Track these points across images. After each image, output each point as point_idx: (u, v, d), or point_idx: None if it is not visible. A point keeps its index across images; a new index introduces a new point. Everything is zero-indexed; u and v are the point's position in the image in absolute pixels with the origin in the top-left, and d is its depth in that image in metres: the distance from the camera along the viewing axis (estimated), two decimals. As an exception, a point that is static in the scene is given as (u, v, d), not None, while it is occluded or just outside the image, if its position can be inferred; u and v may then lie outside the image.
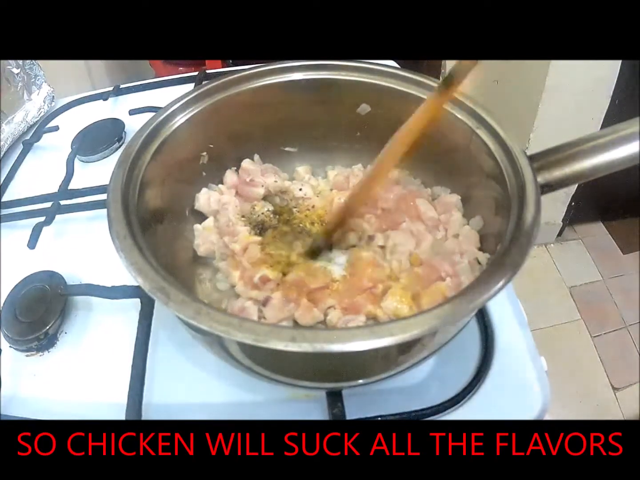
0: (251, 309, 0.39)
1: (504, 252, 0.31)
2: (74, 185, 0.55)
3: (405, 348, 0.33)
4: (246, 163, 0.48)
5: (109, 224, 0.33)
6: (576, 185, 1.23)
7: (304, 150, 0.51)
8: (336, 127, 0.49)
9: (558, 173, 0.36)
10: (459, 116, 0.41)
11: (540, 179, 0.36)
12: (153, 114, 0.42)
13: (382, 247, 0.43)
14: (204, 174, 0.47)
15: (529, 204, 0.34)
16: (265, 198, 0.48)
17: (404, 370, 0.36)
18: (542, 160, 0.36)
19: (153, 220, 0.39)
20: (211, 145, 0.46)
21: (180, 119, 0.43)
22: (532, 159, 0.37)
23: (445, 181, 0.46)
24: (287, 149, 0.51)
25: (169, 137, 0.42)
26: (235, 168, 0.48)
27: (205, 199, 0.46)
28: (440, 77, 1.40)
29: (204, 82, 0.45)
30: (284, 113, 0.48)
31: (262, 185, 0.47)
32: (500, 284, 0.29)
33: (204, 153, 0.46)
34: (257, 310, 0.39)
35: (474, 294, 0.29)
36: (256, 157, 0.49)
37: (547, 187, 0.36)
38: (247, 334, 0.27)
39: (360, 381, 0.36)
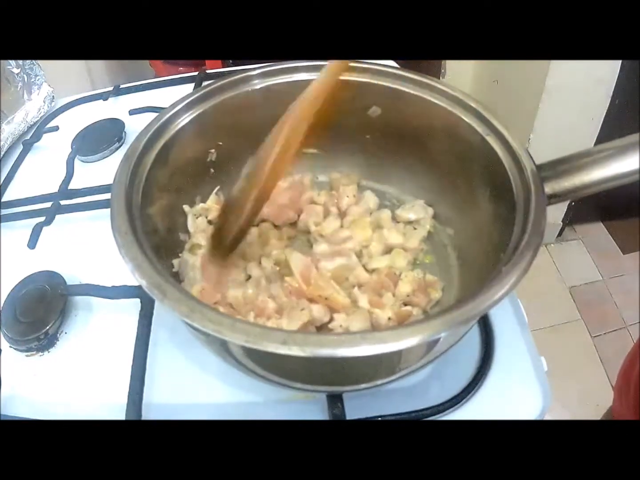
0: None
1: (506, 261, 0.31)
2: (74, 185, 0.55)
3: (402, 355, 0.32)
4: None
5: (111, 219, 0.33)
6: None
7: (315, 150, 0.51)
8: (345, 128, 0.48)
9: (567, 184, 0.35)
10: (468, 121, 0.41)
11: (548, 189, 0.35)
12: (153, 114, 0.42)
13: None
14: (212, 170, 0.47)
15: (534, 214, 0.33)
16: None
17: (406, 375, 0.36)
18: (551, 170, 0.36)
19: (158, 216, 0.39)
20: (220, 143, 0.46)
21: (186, 118, 0.43)
22: (540, 168, 0.36)
23: (449, 187, 0.45)
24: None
25: (174, 135, 0.42)
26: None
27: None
28: (440, 77, 1.41)
29: (205, 82, 0.45)
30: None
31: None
32: (501, 293, 0.29)
33: (212, 150, 0.46)
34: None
35: (471, 305, 0.29)
36: None
37: (554, 198, 0.35)
38: (239, 335, 0.27)
39: (363, 385, 0.36)
